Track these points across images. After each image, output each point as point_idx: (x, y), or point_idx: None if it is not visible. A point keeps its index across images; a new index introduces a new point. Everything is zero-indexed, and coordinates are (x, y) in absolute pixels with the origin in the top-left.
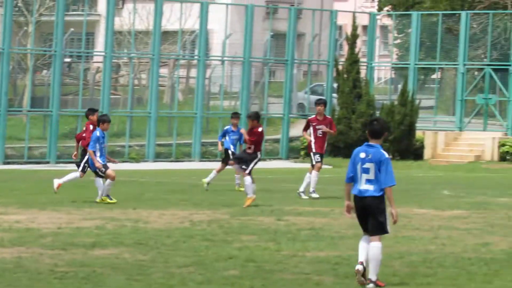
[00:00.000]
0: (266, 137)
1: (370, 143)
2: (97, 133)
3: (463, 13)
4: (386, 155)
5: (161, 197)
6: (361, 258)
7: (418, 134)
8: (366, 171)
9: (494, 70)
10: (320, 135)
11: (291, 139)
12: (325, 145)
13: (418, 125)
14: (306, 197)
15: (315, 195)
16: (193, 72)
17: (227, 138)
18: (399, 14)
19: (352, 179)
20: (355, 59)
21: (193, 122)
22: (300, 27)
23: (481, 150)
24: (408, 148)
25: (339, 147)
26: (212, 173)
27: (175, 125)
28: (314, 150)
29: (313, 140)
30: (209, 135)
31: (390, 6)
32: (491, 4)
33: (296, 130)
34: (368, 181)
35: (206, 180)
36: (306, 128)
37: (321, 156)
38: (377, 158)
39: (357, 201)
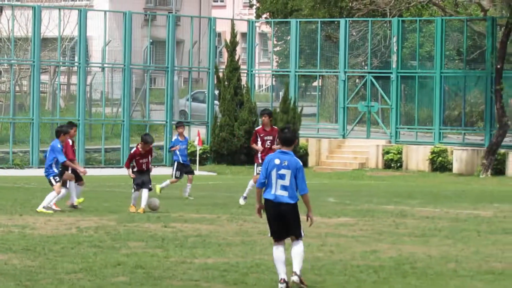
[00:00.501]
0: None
1: (283, 149)
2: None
3: (342, 21)
4: (300, 162)
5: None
6: (281, 270)
7: (302, 141)
8: (281, 177)
9: (376, 77)
10: (268, 146)
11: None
12: None
13: (301, 132)
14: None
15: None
16: (74, 79)
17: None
18: (277, 21)
19: (264, 185)
20: (235, 66)
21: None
22: (179, 34)
23: (365, 158)
24: None
25: (222, 154)
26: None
27: None
28: (260, 161)
29: (260, 150)
30: (92, 142)
31: (268, 14)
32: (369, 11)
33: None
34: (283, 187)
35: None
36: (255, 140)
37: None
38: (293, 165)
39: (271, 206)
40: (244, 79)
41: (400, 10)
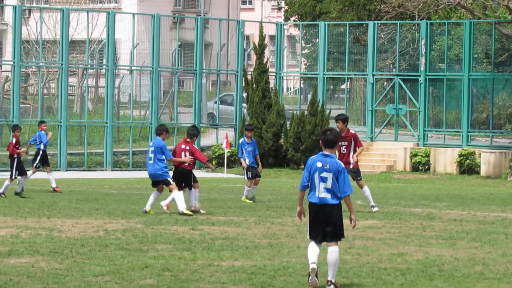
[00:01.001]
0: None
1: (325, 152)
2: None
3: (370, 23)
4: (342, 165)
5: (75, 206)
6: (313, 258)
7: None
8: (324, 180)
9: (404, 80)
10: (344, 152)
11: (202, 149)
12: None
13: None
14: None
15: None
16: (102, 81)
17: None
18: (306, 24)
19: (306, 187)
20: (264, 69)
21: (103, 131)
22: (207, 37)
23: (393, 160)
24: None
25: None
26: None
27: (86, 134)
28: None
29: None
30: (120, 145)
31: (296, 16)
32: (398, 14)
33: (207, 139)
34: (326, 189)
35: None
36: None
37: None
38: (334, 168)
39: (316, 209)
40: (272, 82)
41: (429, 13)
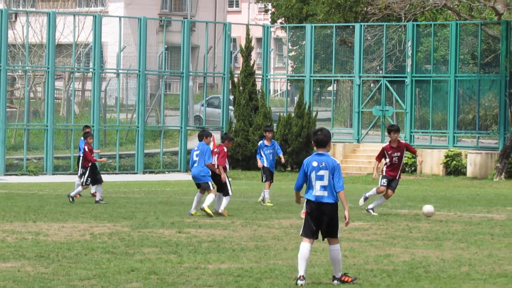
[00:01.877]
0: (164, 149)
1: (319, 152)
2: None
3: (357, 25)
4: (337, 161)
5: (61, 209)
6: (302, 271)
7: None
8: (320, 178)
9: (390, 81)
10: (395, 162)
11: (189, 152)
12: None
13: None
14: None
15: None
16: (89, 85)
17: (262, 153)
18: (292, 26)
19: (301, 187)
20: (250, 71)
21: None
22: (194, 40)
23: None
24: None
25: (237, 159)
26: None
27: (72, 137)
28: (384, 174)
29: (387, 165)
30: (106, 148)
31: (283, 18)
32: (384, 16)
33: (194, 142)
34: (323, 187)
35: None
36: (380, 156)
37: (391, 181)
38: (330, 165)
39: (313, 207)
40: (259, 84)
41: (415, 14)
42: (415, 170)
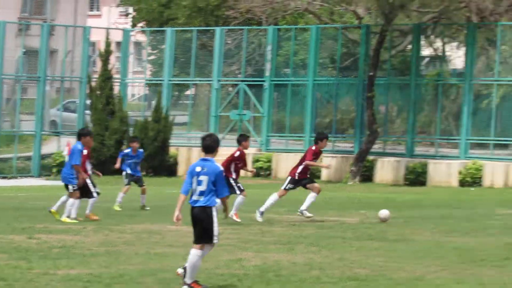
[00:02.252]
0: (18, 154)
1: (205, 157)
2: None
3: (217, 29)
4: (221, 168)
5: None
6: (190, 280)
7: (172, 150)
8: (200, 183)
9: (249, 85)
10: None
11: (43, 157)
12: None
13: (171, 141)
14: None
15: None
16: None
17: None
18: (153, 30)
19: (187, 192)
20: (108, 75)
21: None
22: (53, 44)
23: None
24: (162, 165)
25: (92, 163)
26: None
27: None
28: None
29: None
30: None
31: (144, 22)
32: (246, 20)
33: (48, 147)
34: (201, 192)
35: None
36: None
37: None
38: (211, 171)
39: (191, 211)
40: (117, 89)
41: (276, 18)
42: (270, 174)
